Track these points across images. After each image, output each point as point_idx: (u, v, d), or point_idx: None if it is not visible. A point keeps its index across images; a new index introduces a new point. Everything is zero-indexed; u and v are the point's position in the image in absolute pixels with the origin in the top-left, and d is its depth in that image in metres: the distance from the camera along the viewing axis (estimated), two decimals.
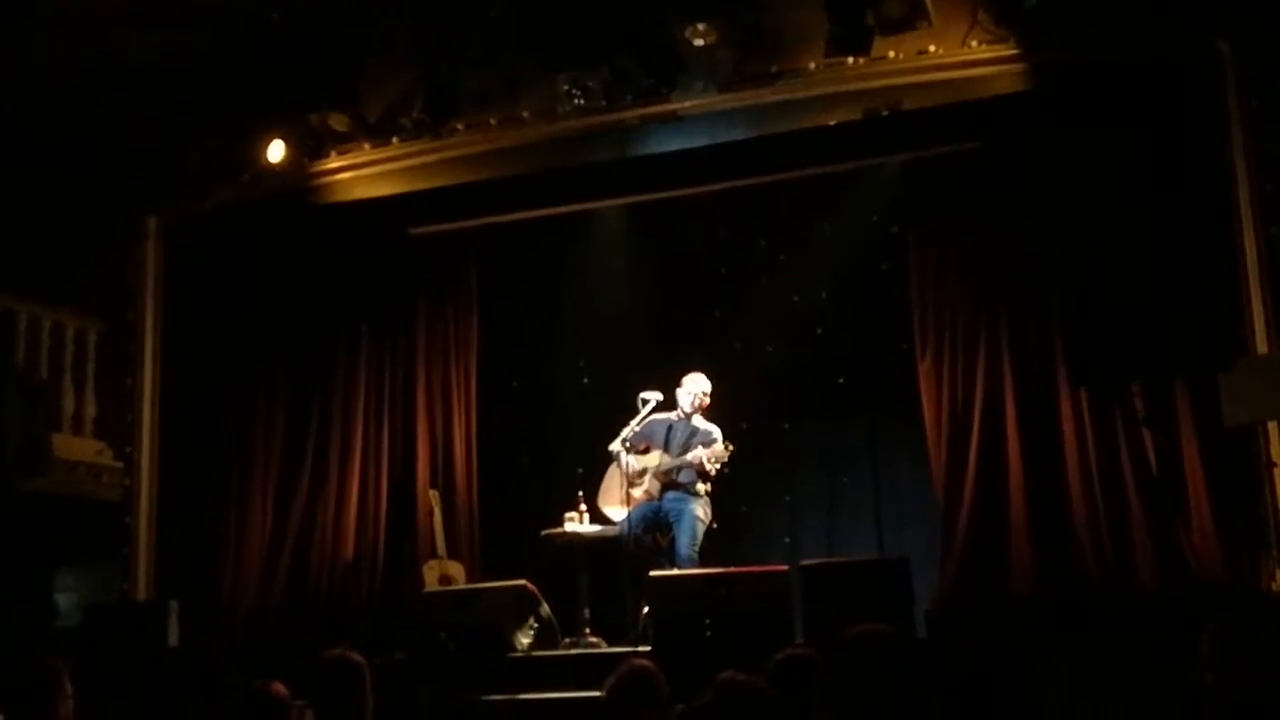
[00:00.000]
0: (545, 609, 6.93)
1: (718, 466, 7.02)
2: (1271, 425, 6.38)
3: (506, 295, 8.95)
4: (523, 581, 6.90)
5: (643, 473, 7.21)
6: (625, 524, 7.08)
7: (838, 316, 8.36)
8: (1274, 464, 6.36)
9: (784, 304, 8.50)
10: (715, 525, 7.19)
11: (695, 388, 7.31)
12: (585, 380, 8.86)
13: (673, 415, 7.31)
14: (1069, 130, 7.04)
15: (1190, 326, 6.56)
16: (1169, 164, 6.87)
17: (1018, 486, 7.15)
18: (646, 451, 7.33)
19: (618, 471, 7.39)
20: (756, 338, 8.53)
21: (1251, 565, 6.50)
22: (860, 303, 8.26)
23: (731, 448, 6.97)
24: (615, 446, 7.30)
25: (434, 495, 8.25)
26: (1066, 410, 7.11)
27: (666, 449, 7.24)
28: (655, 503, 7.18)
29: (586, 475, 7.78)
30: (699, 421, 7.31)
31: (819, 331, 8.42)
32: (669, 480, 7.18)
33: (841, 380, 8.35)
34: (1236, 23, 6.66)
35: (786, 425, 8.50)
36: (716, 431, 7.21)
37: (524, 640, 6.68)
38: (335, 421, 8.57)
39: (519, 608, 6.77)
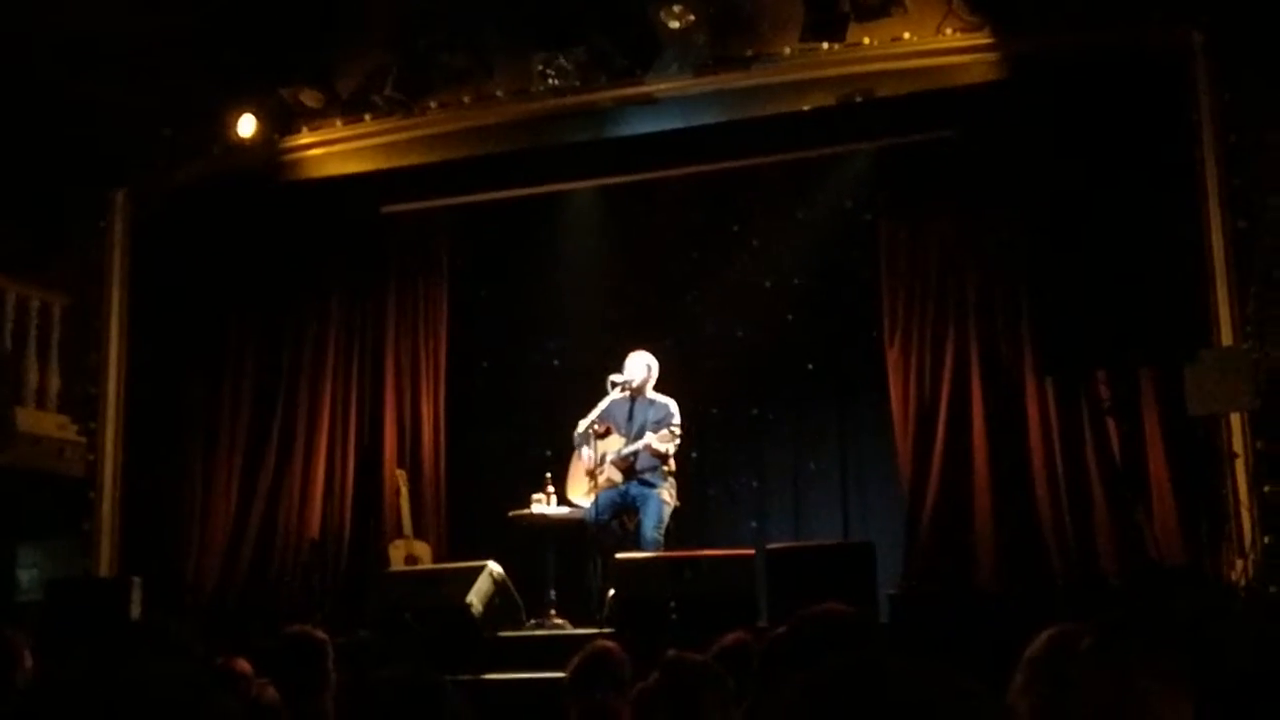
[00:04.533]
0: (511, 589, 6.91)
1: (671, 448, 7.01)
2: (1234, 416, 6.42)
3: (477, 275, 8.92)
4: (489, 562, 6.88)
5: (603, 459, 7.21)
6: (592, 508, 7.06)
7: (808, 303, 8.37)
8: (1236, 455, 6.42)
9: (755, 289, 8.51)
10: (680, 505, 7.19)
11: (638, 365, 7.31)
12: (555, 361, 8.84)
13: (628, 395, 7.30)
14: (1041, 120, 7.06)
15: (1156, 317, 6.61)
16: (1139, 156, 6.90)
17: (983, 474, 7.19)
18: (607, 434, 7.30)
19: (581, 460, 7.38)
20: (727, 322, 8.54)
21: (1212, 554, 6.56)
22: (831, 289, 8.28)
23: (680, 431, 6.96)
24: (578, 433, 7.28)
25: (401, 475, 8.21)
26: (1033, 399, 7.15)
27: (629, 425, 7.23)
28: (621, 487, 7.17)
29: (555, 457, 7.76)
30: (654, 396, 7.32)
31: (789, 317, 8.43)
32: (629, 467, 7.17)
33: (810, 366, 8.38)
34: (1210, 16, 6.69)
35: (755, 410, 8.53)
36: (673, 406, 7.21)
37: (479, 607, 6.64)
38: (302, 400, 8.53)
39: (483, 588, 6.75)
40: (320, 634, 3.90)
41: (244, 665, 4.01)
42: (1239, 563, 6.28)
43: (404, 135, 8.07)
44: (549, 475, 7.51)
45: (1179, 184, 6.82)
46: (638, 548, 6.93)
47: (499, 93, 7.80)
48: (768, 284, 8.51)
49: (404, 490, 8.12)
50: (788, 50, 7.31)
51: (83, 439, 8.31)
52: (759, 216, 8.57)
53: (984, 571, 6.99)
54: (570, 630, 6.92)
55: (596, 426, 7.19)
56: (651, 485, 7.10)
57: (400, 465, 8.37)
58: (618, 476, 7.19)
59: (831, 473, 8.31)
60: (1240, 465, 6.38)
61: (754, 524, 8.35)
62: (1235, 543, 6.38)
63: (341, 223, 8.61)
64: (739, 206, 8.59)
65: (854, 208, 8.21)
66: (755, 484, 8.51)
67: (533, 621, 7.05)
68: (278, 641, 3.92)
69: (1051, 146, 7.01)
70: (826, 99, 7.38)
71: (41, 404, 8.22)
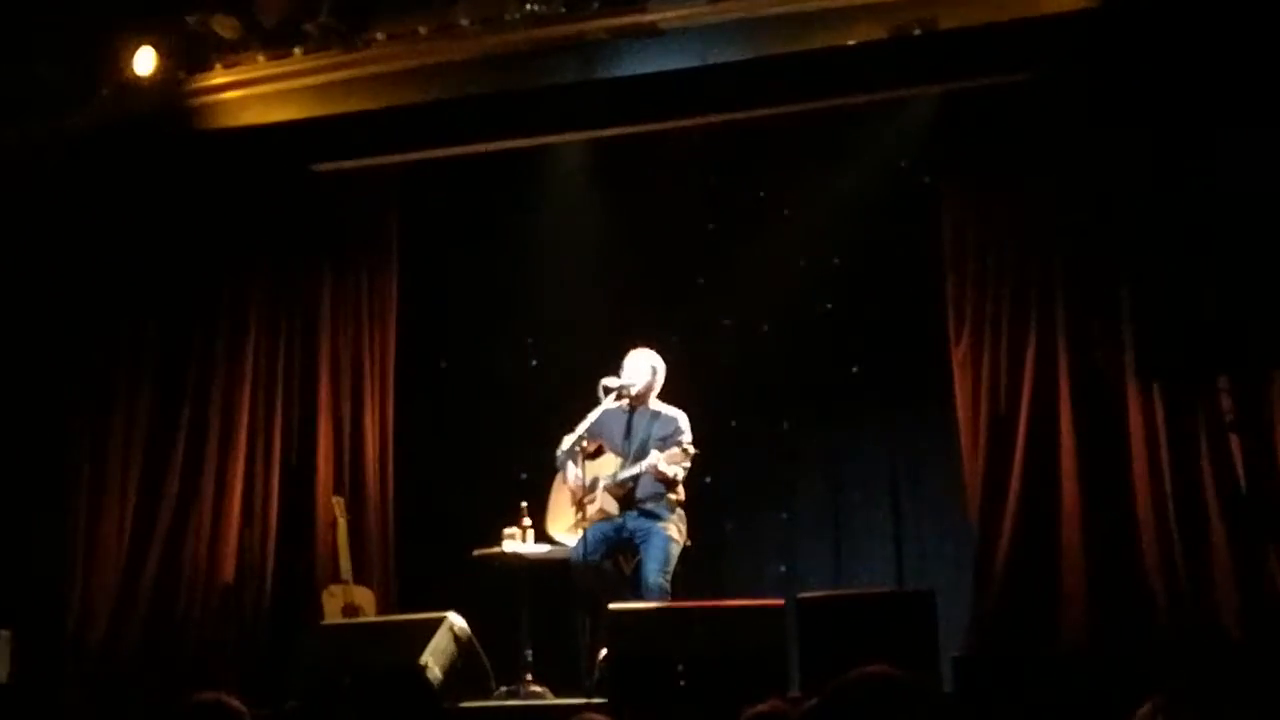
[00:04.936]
0: (477, 648, 6.92)
1: (681, 472, 7.02)
2: None
3: (436, 252, 8.95)
4: (449, 614, 6.89)
5: (594, 485, 7.23)
6: (579, 546, 7.08)
7: (852, 289, 8.38)
8: None
9: (786, 271, 8.52)
10: (691, 543, 7.20)
11: (639, 366, 7.32)
12: (533, 362, 8.89)
13: (625, 404, 7.31)
14: (1146, 59, 7.05)
15: None
16: (1271, 104, 6.88)
17: (1072, 503, 7.19)
18: (599, 453, 7.33)
19: (565, 486, 7.40)
20: (750, 312, 8.57)
21: None
22: (881, 272, 8.27)
23: (693, 450, 6.98)
24: (562, 451, 7.29)
25: (338, 503, 8.24)
26: (1135, 411, 7.16)
27: (627, 442, 7.25)
28: (616, 520, 7.19)
29: (532, 482, 7.77)
30: (658, 405, 7.33)
31: (829, 307, 8.46)
32: (627, 495, 7.19)
33: (855, 369, 8.39)
34: None
35: (786, 424, 8.56)
36: (682, 419, 7.23)
37: (436, 670, 6.66)
38: (215, 407, 8.54)
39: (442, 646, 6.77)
40: (236, 703, 3.90)
41: None
42: None
43: (343, 74, 8.07)
44: (525, 505, 7.52)
45: None
46: (637, 596, 6.95)
47: (463, 21, 7.81)
48: (802, 264, 8.54)
49: (341, 522, 8.14)
50: None
51: None
52: (791, 180, 8.57)
53: (1073, 626, 7.00)
54: (551, 700, 6.95)
55: (586, 443, 7.21)
56: (655, 517, 7.11)
57: (337, 491, 8.39)
58: (613, 506, 7.20)
59: (881, 502, 8.31)
60: None
61: (783, 567, 8.38)
62: None
63: (264, 185, 8.61)
64: (766, 167, 8.60)
65: (911, 169, 8.23)
66: (785, 516, 8.53)
67: (504, 689, 7.06)
68: (183, 712, 3.92)
69: (1159, 92, 6.97)
70: (877, 31, 7.39)
71: None
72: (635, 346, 7.44)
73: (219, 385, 8.58)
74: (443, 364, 8.98)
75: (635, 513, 7.16)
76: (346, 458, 8.56)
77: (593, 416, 7.22)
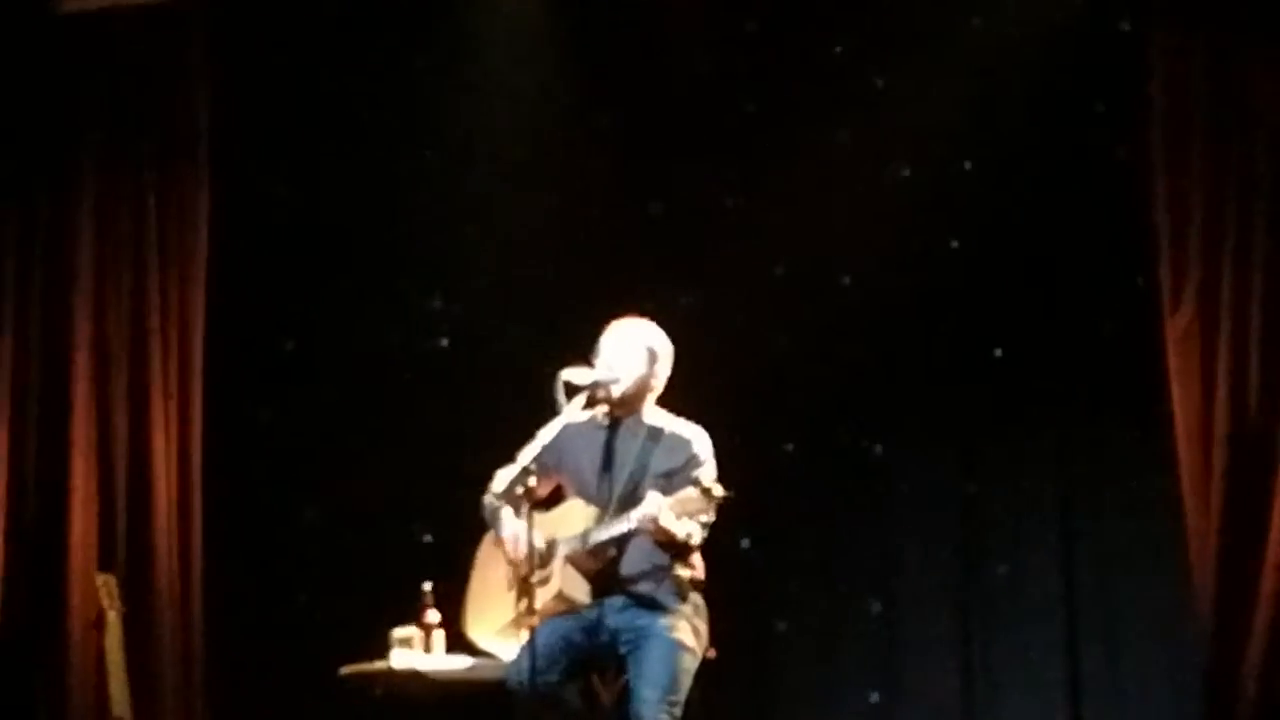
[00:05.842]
0: None
1: (698, 532, 6.96)
2: None
3: (277, 153, 9.06)
4: None
5: (549, 554, 7.19)
6: (524, 658, 6.99)
7: (995, 215, 8.41)
8: None
9: (878, 185, 8.56)
10: (714, 655, 7.14)
11: (626, 349, 7.25)
12: (443, 341, 9.00)
13: (602, 414, 7.25)
14: None
15: None
16: None
17: None
18: (556, 499, 7.29)
19: (499, 554, 7.31)
20: (816, 257, 8.59)
21: None
22: (1044, 186, 8.30)
23: (721, 492, 6.89)
24: (494, 494, 7.19)
25: (106, 585, 8.29)
26: None
27: (605, 479, 7.19)
28: (589, 614, 7.16)
29: (443, 548, 7.91)
30: (660, 418, 7.26)
31: (954, 245, 8.51)
32: (605, 571, 7.13)
33: (999, 353, 8.43)
34: None
35: (879, 448, 8.59)
36: (699, 441, 7.14)
37: None
38: None
39: None
40: None
41: None
42: None
43: None
44: (428, 588, 7.60)
45: None
46: None
47: None
48: (906, 173, 8.58)
49: (113, 619, 8.21)
50: None
51: None
52: (889, 28, 8.58)
53: None
54: None
55: (535, 482, 7.11)
56: (655, 609, 7.04)
57: (104, 566, 8.47)
58: (581, 590, 7.12)
59: (1043, 581, 8.34)
60: None
61: (875, 695, 8.42)
62: None
63: None
64: (845, 8, 8.62)
65: (1096, 12, 8.24)
66: (878, 608, 8.56)
67: None
68: None
69: None
70: None
71: None
72: (619, 316, 7.37)
73: None
74: (288, 343, 9.08)
75: (620, 600, 7.08)
76: (120, 507, 8.66)
77: (547, 436, 7.08)
